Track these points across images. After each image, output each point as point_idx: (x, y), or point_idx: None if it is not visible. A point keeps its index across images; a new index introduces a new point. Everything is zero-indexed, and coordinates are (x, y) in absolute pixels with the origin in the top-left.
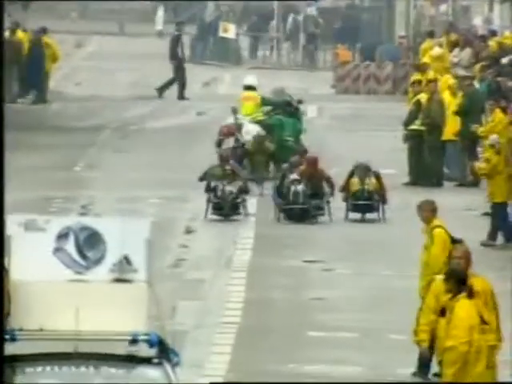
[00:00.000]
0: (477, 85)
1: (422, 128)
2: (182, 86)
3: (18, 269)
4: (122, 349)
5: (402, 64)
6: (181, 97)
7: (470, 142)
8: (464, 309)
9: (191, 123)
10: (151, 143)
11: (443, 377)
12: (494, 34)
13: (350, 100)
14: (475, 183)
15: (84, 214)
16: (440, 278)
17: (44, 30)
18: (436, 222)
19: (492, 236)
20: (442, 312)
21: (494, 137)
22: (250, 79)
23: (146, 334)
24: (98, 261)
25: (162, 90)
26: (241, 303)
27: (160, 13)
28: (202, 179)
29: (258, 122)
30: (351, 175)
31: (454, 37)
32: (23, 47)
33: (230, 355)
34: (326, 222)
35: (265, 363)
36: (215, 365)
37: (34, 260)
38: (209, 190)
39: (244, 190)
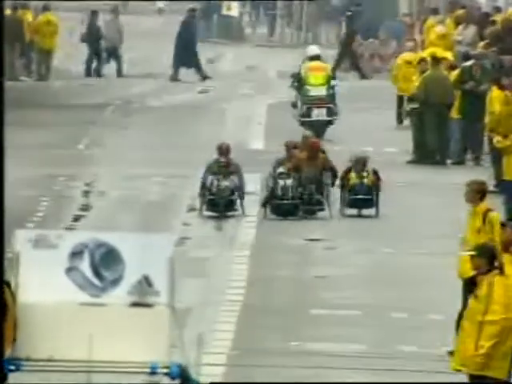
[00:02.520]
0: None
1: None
2: (354, 58)
3: (26, 290)
4: (140, 380)
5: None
6: (356, 69)
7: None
8: (501, 286)
9: (195, 101)
10: (154, 121)
11: (479, 349)
12: (498, 10)
13: (354, 78)
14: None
15: (88, 191)
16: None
17: (47, 8)
18: (486, 204)
19: None
20: (469, 288)
21: None
22: (315, 49)
23: (166, 366)
24: (116, 282)
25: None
26: (244, 281)
27: None
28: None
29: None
30: (349, 169)
31: (457, 14)
32: (25, 25)
33: (233, 333)
34: (326, 217)
35: (268, 341)
36: (219, 342)
37: (44, 280)
38: (204, 186)
39: (239, 185)
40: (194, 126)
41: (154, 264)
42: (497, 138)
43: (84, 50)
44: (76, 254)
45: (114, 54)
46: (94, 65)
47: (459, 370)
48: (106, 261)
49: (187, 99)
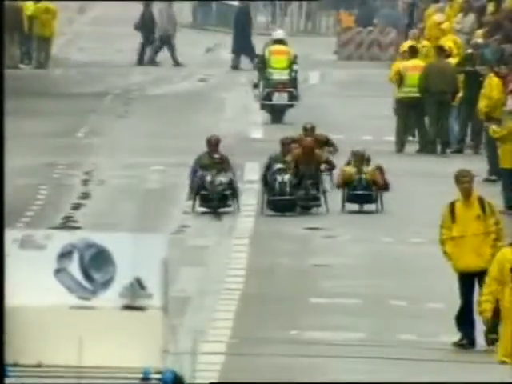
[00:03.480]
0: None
1: (412, 95)
2: None
3: (13, 293)
4: None
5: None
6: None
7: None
8: None
9: (194, 89)
10: (154, 110)
11: None
12: None
13: (353, 66)
14: (476, 150)
15: (87, 180)
16: (507, 248)
17: None
18: (477, 192)
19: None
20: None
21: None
22: (281, 33)
23: (159, 372)
24: (106, 284)
25: None
26: (243, 270)
27: None
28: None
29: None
30: (348, 164)
31: (457, 2)
32: (24, 13)
33: (232, 321)
34: (323, 213)
35: (267, 329)
36: (218, 331)
37: (32, 283)
38: (196, 181)
39: (233, 181)
40: (194, 114)
41: (147, 265)
42: (493, 128)
43: (85, 39)
44: (65, 254)
45: (167, 42)
46: (147, 53)
47: (504, 362)
48: (97, 262)
49: (187, 88)
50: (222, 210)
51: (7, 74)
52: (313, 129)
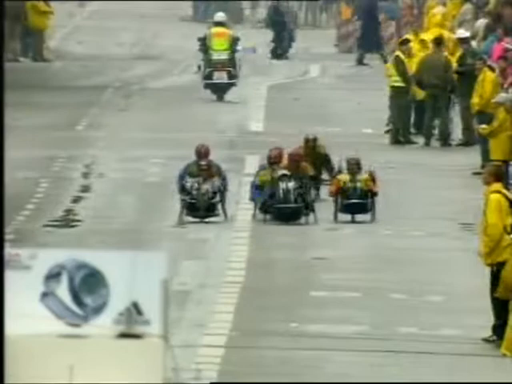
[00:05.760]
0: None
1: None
2: None
3: None
4: None
5: (406, 23)
6: None
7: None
8: None
9: (193, 83)
10: (154, 103)
11: None
12: None
13: (353, 59)
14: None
15: (87, 173)
16: None
17: None
18: (495, 186)
19: None
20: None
21: (502, 95)
22: (221, 16)
23: None
24: (99, 309)
25: None
26: (244, 263)
27: None
28: (181, 178)
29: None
30: (340, 171)
31: None
32: (25, 6)
33: (232, 314)
34: (311, 222)
35: (267, 322)
36: (218, 324)
37: (16, 308)
38: (184, 190)
39: (221, 188)
40: (194, 107)
41: (145, 288)
42: (482, 126)
43: (85, 32)
44: (52, 276)
45: (291, 36)
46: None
47: (505, 355)
48: (88, 284)
49: (187, 80)
50: (209, 219)
51: (7, 66)
52: (314, 140)
